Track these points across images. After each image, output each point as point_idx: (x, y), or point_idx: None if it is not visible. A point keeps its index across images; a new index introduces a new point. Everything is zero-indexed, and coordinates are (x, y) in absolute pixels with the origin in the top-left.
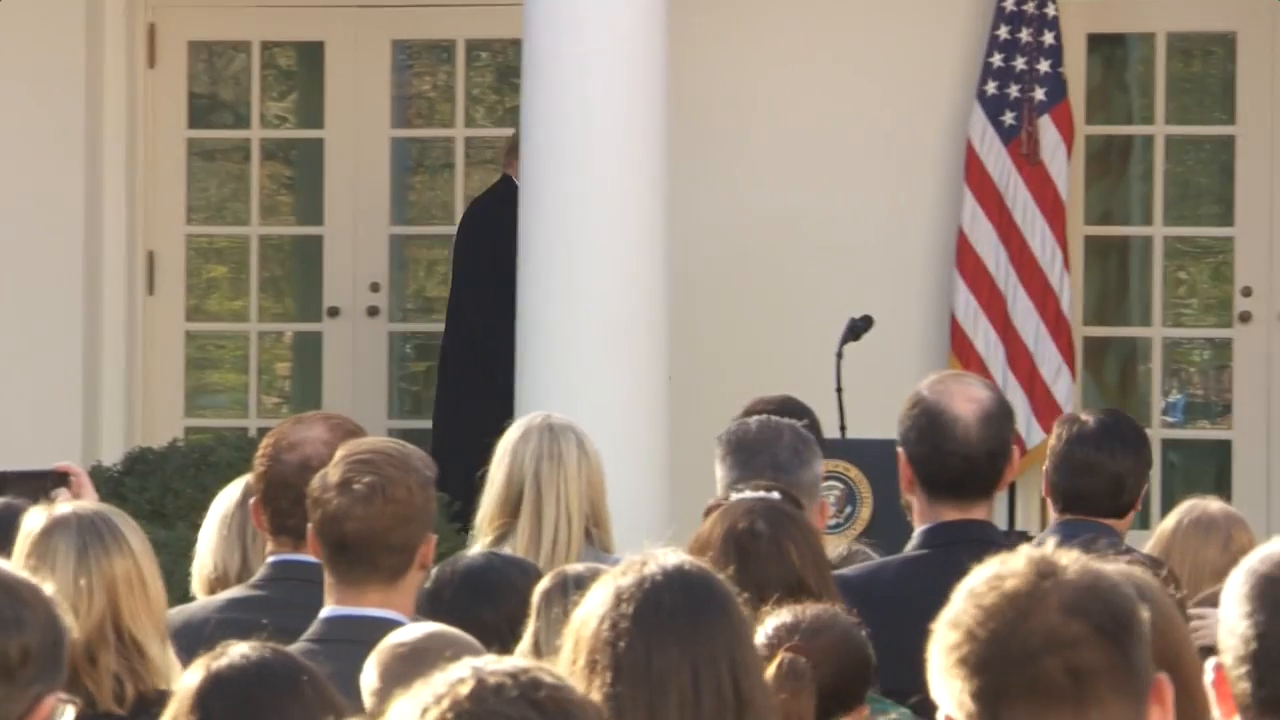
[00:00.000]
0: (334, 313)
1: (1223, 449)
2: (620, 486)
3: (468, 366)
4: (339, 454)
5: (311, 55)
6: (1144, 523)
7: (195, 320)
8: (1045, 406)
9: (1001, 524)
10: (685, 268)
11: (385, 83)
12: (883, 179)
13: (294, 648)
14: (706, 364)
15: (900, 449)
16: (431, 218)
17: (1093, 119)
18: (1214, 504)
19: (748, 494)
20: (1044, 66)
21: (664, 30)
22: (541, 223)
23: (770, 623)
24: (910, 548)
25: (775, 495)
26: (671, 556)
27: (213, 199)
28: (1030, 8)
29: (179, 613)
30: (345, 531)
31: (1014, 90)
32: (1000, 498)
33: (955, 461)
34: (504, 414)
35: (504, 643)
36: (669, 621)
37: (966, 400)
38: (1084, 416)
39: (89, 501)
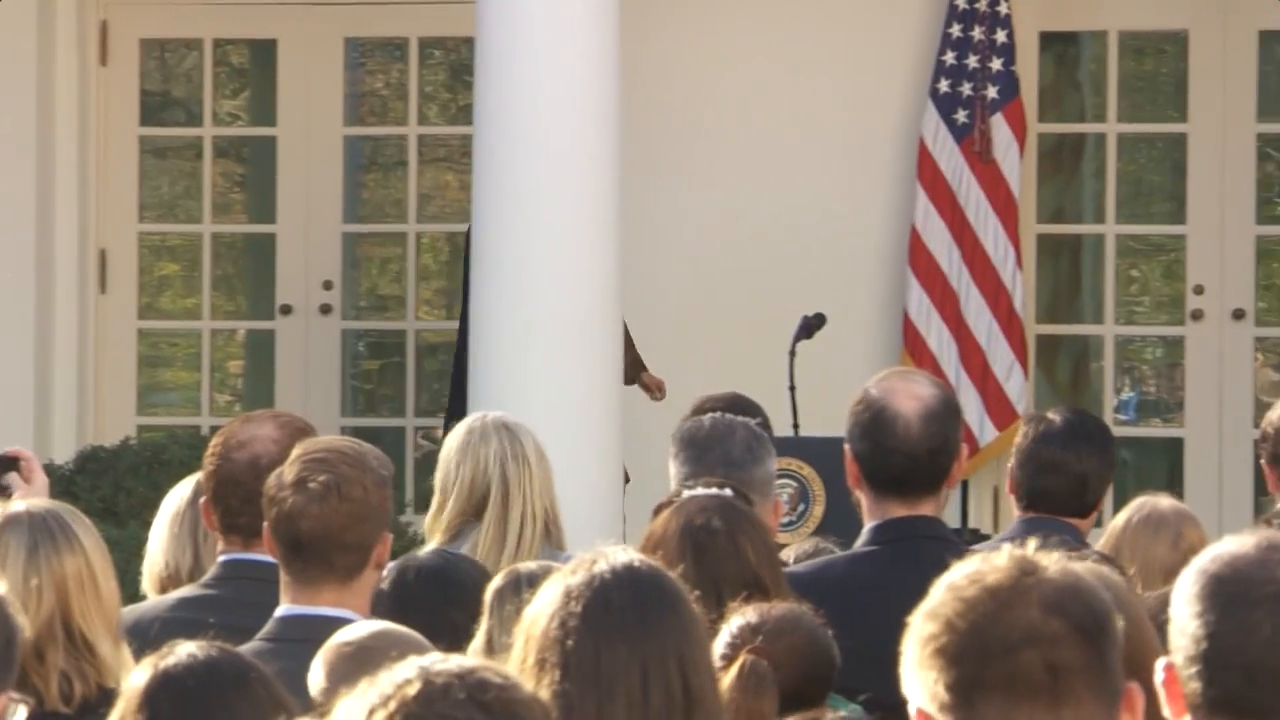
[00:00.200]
0: (286, 310)
1: (1175, 446)
2: (573, 484)
3: None
4: (295, 452)
5: (264, 53)
6: (1097, 520)
7: (147, 318)
8: (998, 404)
9: (955, 521)
10: (638, 266)
11: (338, 80)
12: (835, 177)
13: (248, 647)
14: (659, 362)
15: (846, 445)
16: (384, 215)
17: (1045, 117)
18: (1164, 501)
19: (700, 490)
20: (996, 65)
21: (617, 28)
22: (494, 221)
23: (735, 622)
24: (859, 544)
25: (728, 492)
26: (621, 554)
27: (165, 197)
28: (983, 6)
29: (130, 612)
30: (300, 530)
31: (966, 88)
32: (953, 495)
33: (896, 459)
34: None
35: (465, 641)
36: (618, 620)
37: (909, 397)
38: (1051, 415)
39: (42, 499)
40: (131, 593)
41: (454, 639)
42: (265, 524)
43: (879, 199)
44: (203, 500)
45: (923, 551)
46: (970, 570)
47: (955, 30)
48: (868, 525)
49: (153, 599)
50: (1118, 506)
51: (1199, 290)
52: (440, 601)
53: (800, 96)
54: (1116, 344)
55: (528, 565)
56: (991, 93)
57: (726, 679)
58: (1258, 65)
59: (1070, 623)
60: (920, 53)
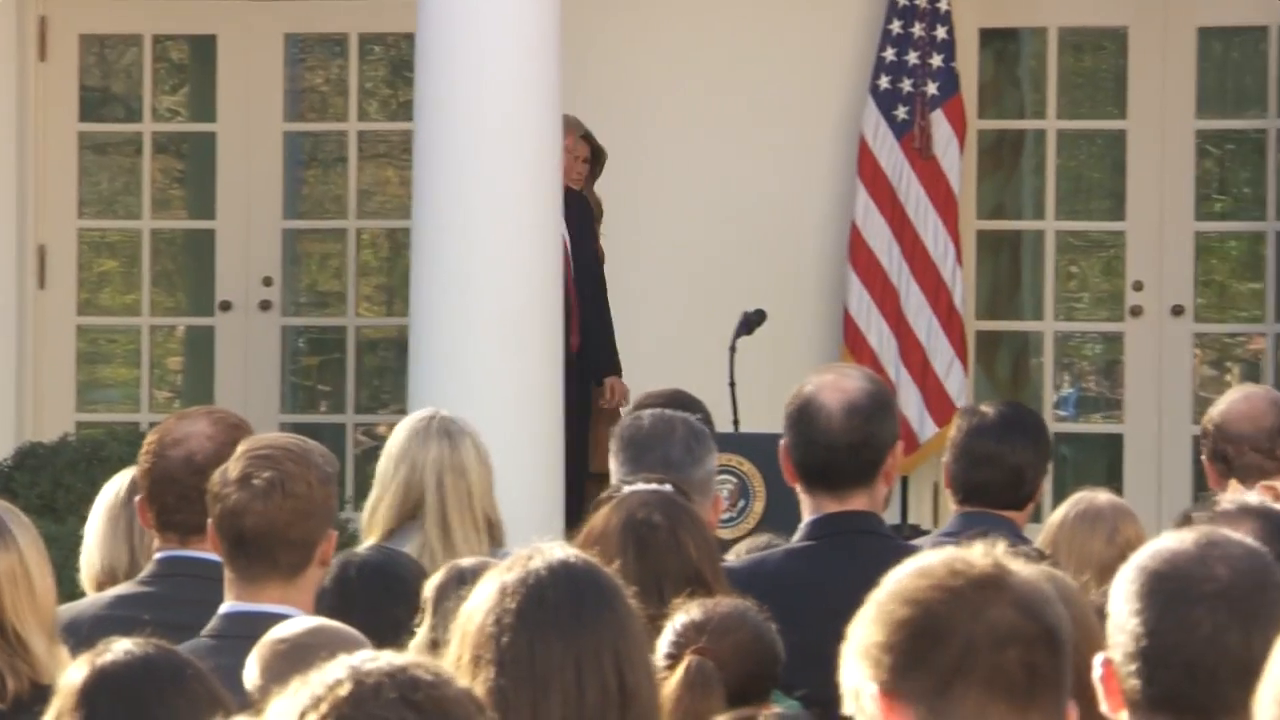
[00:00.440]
0: (226, 307)
1: (1114, 443)
2: (514, 479)
3: None
4: (240, 448)
5: (203, 49)
6: (1036, 515)
7: (87, 314)
8: (938, 400)
9: (895, 517)
10: None
11: (278, 76)
12: (775, 174)
13: (192, 643)
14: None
15: (781, 441)
16: (324, 212)
17: (985, 113)
18: (1102, 496)
19: (640, 486)
20: (936, 61)
21: (557, 25)
22: (434, 216)
23: (679, 619)
24: (794, 539)
25: (667, 487)
26: (557, 551)
27: (104, 193)
28: (923, 2)
29: (67, 610)
30: (244, 527)
31: (907, 85)
32: (893, 490)
33: (818, 451)
34: None
35: (407, 637)
36: (552, 616)
37: (835, 391)
38: (984, 408)
39: None
40: (71, 589)
41: (396, 635)
42: (209, 520)
43: (819, 195)
44: (138, 499)
45: (857, 547)
46: (944, 560)
47: (895, 27)
48: (804, 520)
49: (90, 596)
50: (1057, 502)
51: (1138, 286)
52: (382, 597)
53: (741, 93)
54: (1056, 340)
55: (467, 561)
56: (931, 89)
57: (672, 679)
58: (1197, 62)
59: (1045, 627)
60: (860, 49)
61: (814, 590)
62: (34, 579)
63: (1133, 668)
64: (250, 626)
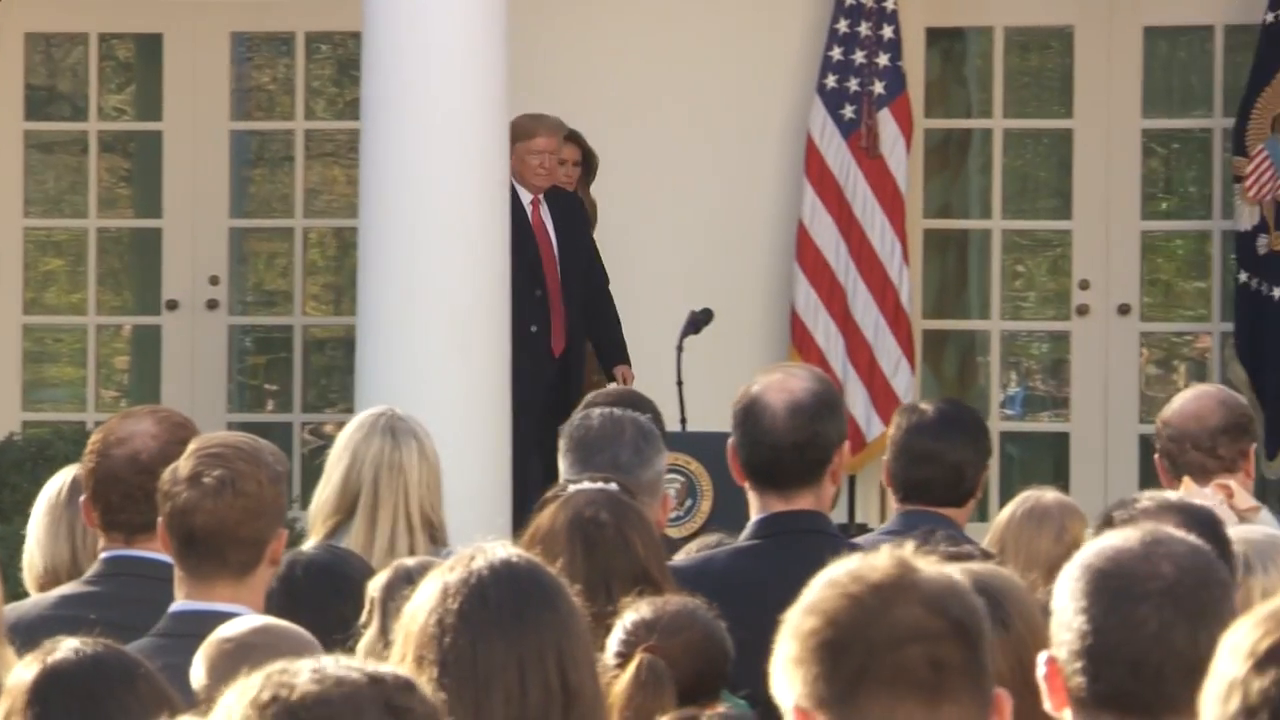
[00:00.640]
0: (173, 306)
1: (1060, 441)
2: (461, 477)
3: None
4: (190, 447)
5: (150, 47)
6: (982, 515)
7: (33, 313)
8: (885, 399)
9: (841, 516)
10: None
11: (224, 75)
12: (723, 172)
13: (142, 643)
14: None
15: (729, 440)
16: (271, 210)
17: (932, 113)
18: (1049, 495)
19: (585, 485)
20: (883, 60)
21: (504, 23)
22: (381, 215)
23: (629, 618)
24: (742, 538)
25: (613, 486)
26: (500, 550)
27: (50, 192)
28: (870, 2)
29: (12, 610)
30: (194, 525)
31: (853, 84)
32: (839, 489)
33: (762, 450)
34: None
35: (354, 636)
36: (494, 616)
37: (780, 391)
38: (923, 406)
39: None
40: (17, 589)
41: (344, 633)
42: (159, 519)
43: (766, 194)
44: (83, 498)
45: (803, 546)
46: (850, 568)
47: (842, 26)
48: (751, 519)
49: (34, 597)
50: (1004, 501)
51: (1084, 285)
52: (329, 596)
53: (688, 93)
54: (1003, 339)
55: (412, 560)
56: (878, 88)
57: (623, 677)
58: (1143, 61)
59: (951, 621)
60: (807, 48)
61: (760, 589)
62: None
63: (1078, 665)
64: (200, 625)
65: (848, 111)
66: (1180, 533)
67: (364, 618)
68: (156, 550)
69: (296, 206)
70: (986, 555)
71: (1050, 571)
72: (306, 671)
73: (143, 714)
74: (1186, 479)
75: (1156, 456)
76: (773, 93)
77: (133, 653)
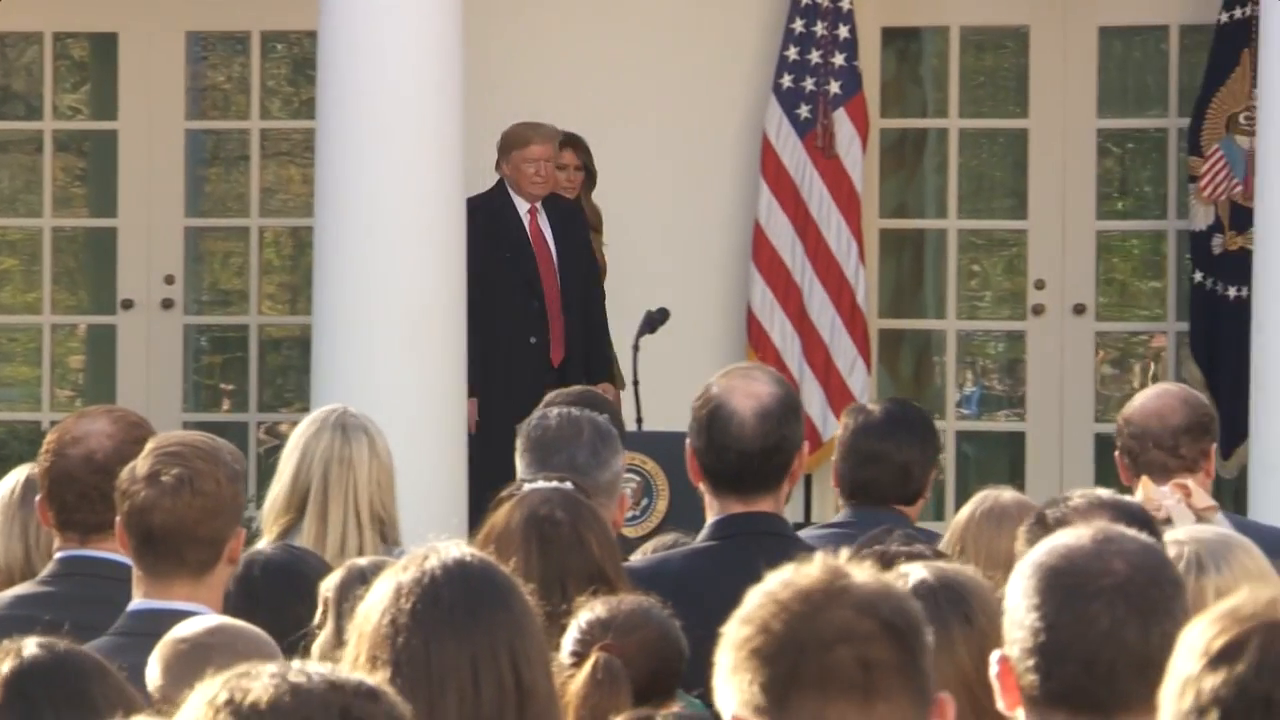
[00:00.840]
0: (128, 305)
1: (1016, 440)
2: (416, 477)
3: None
4: (148, 446)
5: (105, 46)
6: (939, 514)
7: None
8: (841, 399)
9: (798, 515)
10: None
11: (179, 74)
12: (678, 172)
13: (100, 642)
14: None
15: (687, 441)
16: (226, 210)
17: (887, 112)
18: (1007, 494)
19: (541, 484)
20: (839, 60)
21: (460, 24)
22: (337, 212)
23: (584, 617)
24: (699, 539)
25: (568, 485)
26: (453, 550)
27: (5, 191)
28: (825, 1)
29: None
30: (152, 523)
31: (809, 83)
32: (796, 489)
33: (730, 456)
34: None
35: (311, 636)
36: (447, 616)
37: (746, 396)
38: (870, 407)
39: None
40: None
41: (300, 633)
42: (117, 518)
43: (722, 194)
44: (38, 498)
45: (761, 548)
46: (783, 577)
47: (798, 25)
48: (708, 521)
49: None
50: (960, 501)
51: (1040, 285)
52: (287, 596)
53: (643, 93)
54: (959, 339)
55: (365, 560)
56: (834, 88)
57: (579, 676)
58: (1098, 61)
59: (882, 622)
60: (763, 48)
61: (716, 590)
62: None
63: (1030, 663)
64: (159, 624)
65: (803, 111)
66: (1132, 531)
67: (318, 618)
68: (112, 550)
69: (252, 206)
70: (938, 553)
71: (1010, 571)
72: (265, 676)
73: (108, 711)
74: (1144, 478)
75: (1117, 454)
76: (728, 92)
77: (93, 652)
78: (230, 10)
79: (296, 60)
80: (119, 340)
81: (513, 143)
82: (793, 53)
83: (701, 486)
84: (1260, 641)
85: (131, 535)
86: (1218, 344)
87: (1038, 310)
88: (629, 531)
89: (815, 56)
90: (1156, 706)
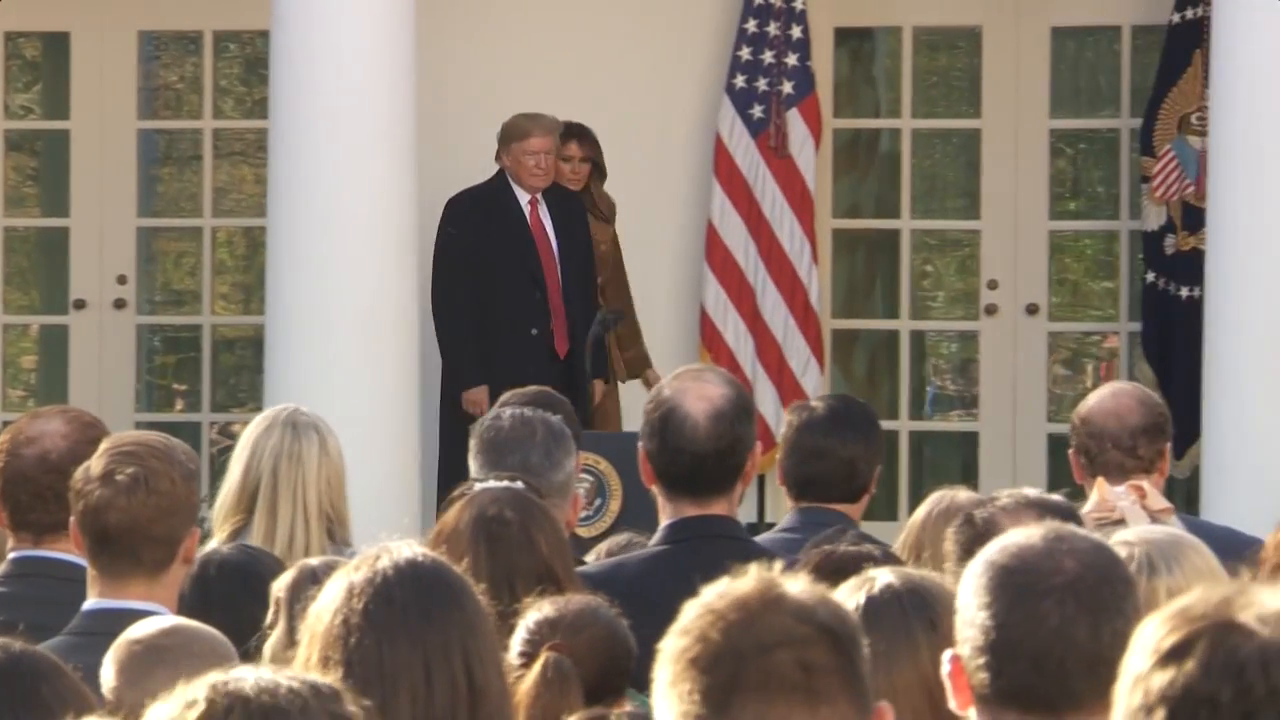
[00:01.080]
0: (80, 305)
1: (970, 440)
2: (369, 477)
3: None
4: (103, 445)
5: (57, 46)
6: (892, 514)
7: None
8: (794, 398)
9: (752, 515)
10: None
11: (132, 74)
12: (632, 172)
13: (55, 641)
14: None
15: (640, 443)
16: (180, 210)
17: (840, 112)
18: (963, 494)
19: (492, 483)
20: (792, 60)
21: (412, 23)
22: (290, 212)
23: (531, 617)
24: (652, 543)
25: (519, 485)
26: (405, 550)
27: None
28: (778, 2)
29: None
30: (107, 523)
31: (762, 84)
32: (750, 490)
33: (684, 459)
34: None
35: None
36: (400, 616)
37: (698, 398)
38: (814, 403)
39: None
40: None
41: (256, 634)
42: (72, 517)
43: (675, 194)
44: None
45: (715, 550)
46: (718, 589)
47: (751, 26)
48: (662, 523)
49: None
50: (914, 501)
51: (993, 285)
52: (243, 596)
53: (596, 92)
54: (912, 339)
55: (317, 560)
56: (787, 88)
57: (529, 676)
58: (1050, 61)
59: (819, 626)
60: (716, 48)
61: (671, 595)
62: None
63: (981, 661)
64: (114, 623)
65: (756, 111)
66: (1084, 530)
67: (270, 618)
68: (66, 550)
69: (205, 205)
70: (888, 554)
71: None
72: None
73: (61, 712)
74: (1100, 479)
75: (1071, 453)
76: (681, 92)
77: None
78: (182, 10)
79: (249, 60)
80: (71, 340)
81: (512, 134)
82: (746, 53)
83: (654, 489)
84: (1209, 642)
85: (86, 535)
86: (1170, 344)
87: (990, 310)
88: (582, 531)
89: (768, 57)
90: (1109, 705)
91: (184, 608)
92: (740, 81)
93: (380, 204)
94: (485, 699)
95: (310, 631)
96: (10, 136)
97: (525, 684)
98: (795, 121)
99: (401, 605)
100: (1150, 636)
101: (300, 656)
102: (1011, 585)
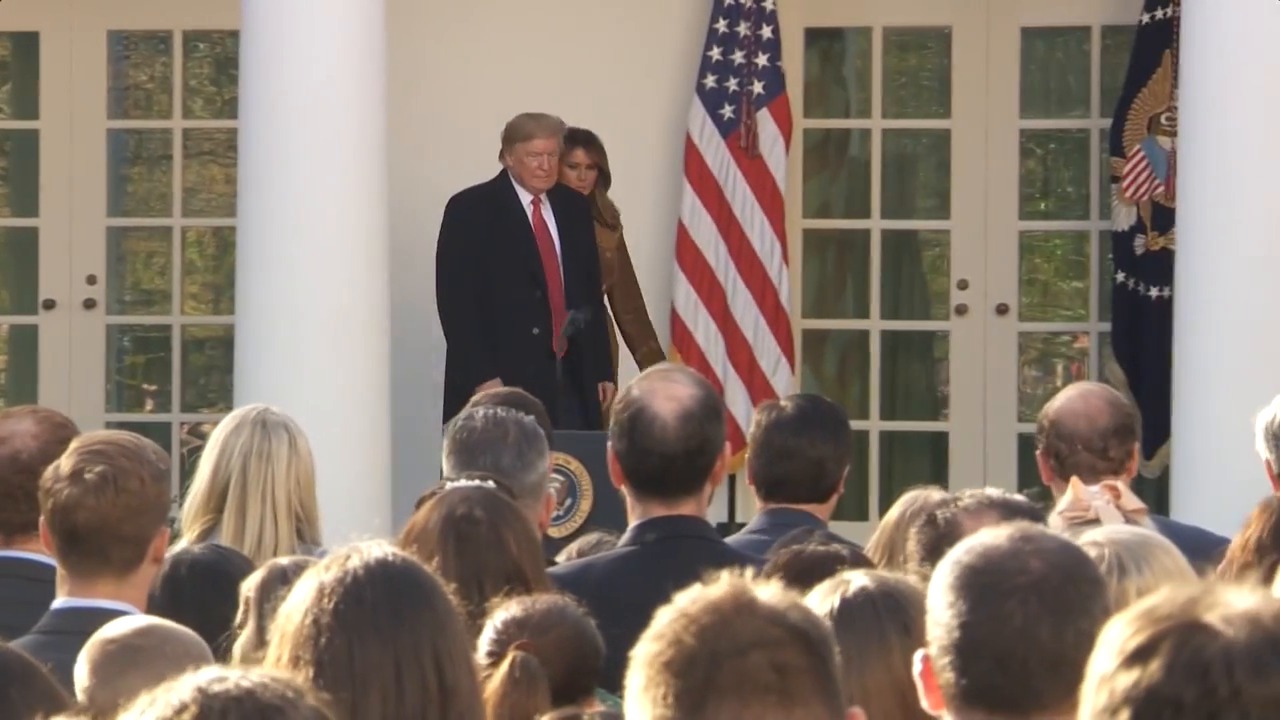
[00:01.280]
0: (50, 305)
1: (939, 440)
2: (339, 475)
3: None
4: (72, 444)
5: (26, 45)
6: (862, 515)
7: None
8: (765, 398)
9: (722, 515)
10: (407, 258)
11: (101, 73)
12: None
13: (24, 640)
14: (428, 356)
15: (609, 444)
16: (149, 209)
17: (811, 112)
18: (935, 495)
19: (463, 483)
20: (762, 60)
21: (382, 23)
22: (260, 212)
23: (499, 617)
24: (621, 543)
25: (490, 484)
26: (375, 550)
27: None
28: (748, 2)
29: None
30: (76, 522)
31: (732, 84)
32: (720, 489)
33: (652, 459)
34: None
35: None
36: (370, 616)
37: (667, 399)
38: (783, 403)
39: None
40: None
41: (227, 633)
42: (41, 517)
43: (645, 194)
44: None
45: (684, 551)
46: (690, 595)
47: (721, 26)
48: (631, 524)
49: None
50: (884, 502)
51: (963, 285)
52: (214, 596)
53: (567, 93)
54: (882, 339)
55: (287, 559)
56: (757, 88)
57: (497, 676)
58: (1020, 62)
59: (791, 629)
60: (686, 48)
61: (639, 594)
62: None
63: (947, 660)
64: (83, 622)
65: (727, 111)
66: (1052, 531)
67: (239, 618)
68: (36, 550)
69: (175, 205)
70: (857, 556)
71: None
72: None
73: (27, 713)
74: (1075, 479)
75: (1040, 454)
76: (652, 92)
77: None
78: (152, 10)
79: (219, 60)
80: (41, 340)
81: (515, 135)
82: (716, 53)
83: (623, 489)
84: (1174, 642)
85: (55, 533)
86: (1140, 344)
87: (960, 310)
88: (553, 532)
89: (738, 57)
90: (1075, 705)
91: (155, 607)
92: (710, 81)
93: (350, 204)
94: (456, 698)
95: (280, 631)
96: None
97: (493, 683)
98: (765, 121)
99: (372, 605)
100: (1116, 637)
101: (270, 656)
102: (977, 585)
